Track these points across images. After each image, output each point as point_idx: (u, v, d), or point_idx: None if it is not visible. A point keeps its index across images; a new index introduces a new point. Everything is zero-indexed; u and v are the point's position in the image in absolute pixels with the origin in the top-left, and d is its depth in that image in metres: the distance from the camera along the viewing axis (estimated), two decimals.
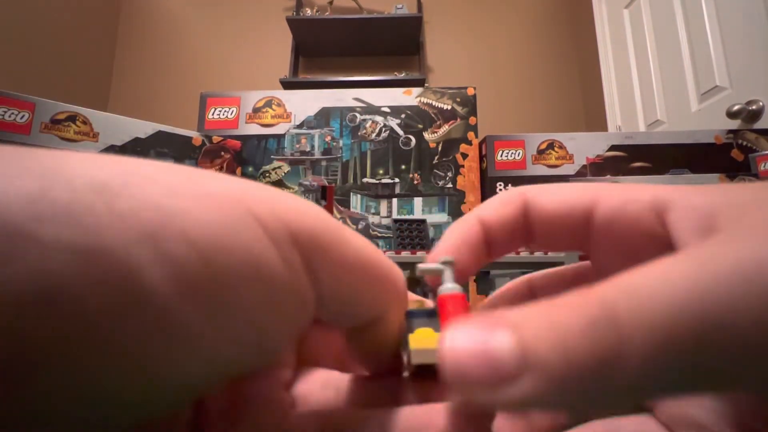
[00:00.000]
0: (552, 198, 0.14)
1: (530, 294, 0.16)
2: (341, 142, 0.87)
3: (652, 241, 0.12)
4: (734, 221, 0.10)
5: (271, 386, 0.13)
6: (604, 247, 0.14)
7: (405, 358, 0.13)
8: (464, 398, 0.09)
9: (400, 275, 0.12)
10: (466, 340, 0.08)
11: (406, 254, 0.31)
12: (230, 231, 0.09)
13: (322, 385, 0.14)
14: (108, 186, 0.08)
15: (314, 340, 0.15)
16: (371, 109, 0.88)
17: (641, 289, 0.08)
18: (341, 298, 0.11)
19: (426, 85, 2.07)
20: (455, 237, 0.14)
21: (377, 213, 0.84)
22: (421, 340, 0.11)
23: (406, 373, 0.13)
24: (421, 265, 0.13)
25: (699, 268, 0.08)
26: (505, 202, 0.14)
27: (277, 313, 0.09)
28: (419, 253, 0.32)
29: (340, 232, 0.11)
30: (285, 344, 0.10)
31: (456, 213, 0.83)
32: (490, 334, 0.08)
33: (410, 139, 0.87)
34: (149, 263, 0.08)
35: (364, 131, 0.87)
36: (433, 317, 0.12)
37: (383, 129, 0.87)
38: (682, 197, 0.11)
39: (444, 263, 0.12)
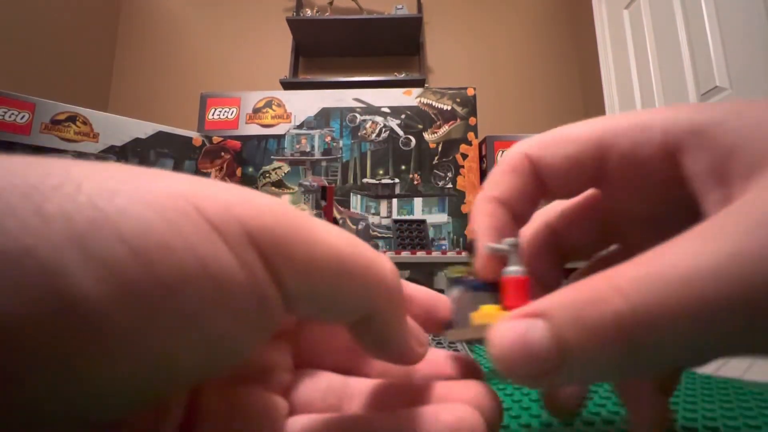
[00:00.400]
0: (559, 154, 0.13)
1: (555, 244, 0.16)
2: (341, 143, 0.87)
3: (666, 180, 0.12)
4: (746, 179, 0.10)
5: (265, 391, 0.12)
6: (617, 186, 0.14)
7: (457, 332, 0.13)
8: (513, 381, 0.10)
9: (386, 267, 0.11)
10: (510, 338, 0.10)
11: (406, 254, 0.31)
12: (173, 230, 0.08)
13: (324, 392, 0.13)
14: (38, 189, 0.08)
15: (313, 337, 0.14)
16: (371, 110, 0.88)
17: (658, 285, 0.09)
18: (315, 297, 0.10)
19: (426, 85, 2.07)
20: (485, 226, 0.14)
21: (377, 213, 0.84)
22: (486, 316, 0.12)
23: (461, 344, 0.13)
24: (490, 245, 0.13)
25: (708, 264, 0.09)
26: (512, 171, 0.14)
27: (234, 317, 0.09)
28: (419, 253, 0.32)
29: (307, 228, 0.10)
30: (251, 347, 0.10)
31: (456, 213, 0.83)
32: (529, 329, 0.09)
33: (410, 140, 0.87)
34: (77, 266, 0.07)
35: (364, 131, 0.87)
36: (494, 292, 0.13)
37: (383, 129, 0.87)
38: (695, 135, 0.11)
39: (510, 245, 0.13)
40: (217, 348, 0.09)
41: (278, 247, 0.09)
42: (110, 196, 0.08)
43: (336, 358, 0.14)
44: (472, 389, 0.12)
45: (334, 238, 0.10)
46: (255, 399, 0.12)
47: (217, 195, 0.09)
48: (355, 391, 0.13)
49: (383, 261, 0.11)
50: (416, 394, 0.13)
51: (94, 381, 0.08)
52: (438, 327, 0.14)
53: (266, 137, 0.87)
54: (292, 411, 0.13)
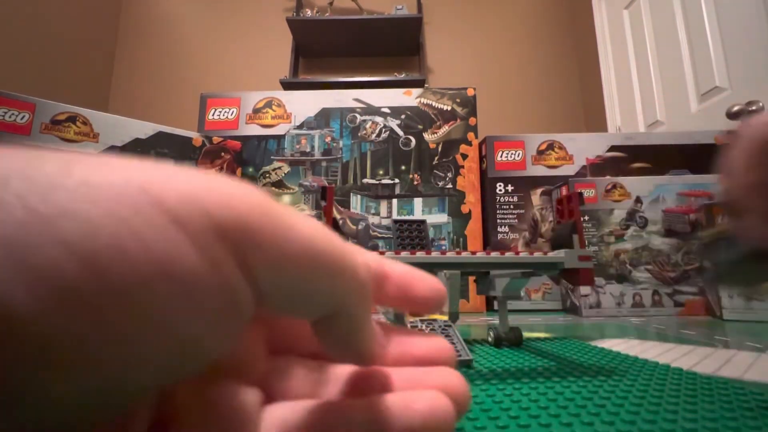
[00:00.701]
0: None
1: None
2: (341, 143, 0.87)
3: None
4: None
5: (239, 384, 0.12)
6: None
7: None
8: None
9: (359, 262, 0.11)
10: None
11: (405, 254, 0.31)
12: (125, 229, 0.07)
13: (300, 379, 0.13)
14: None
15: (288, 323, 0.14)
16: (371, 110, 0.88)
17: None
18: (287, 292, 0.09)
19: (426, 85, 2.07)
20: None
21: (377, 213, 0.84)
22: None
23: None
24: None
25: None
26: (756, 155, 0.15)
27: (201, 319, 0.08)
28: (419, 253, 0.32)
29: (282, 217, 0.09)
30: (222, 346, 0.09)
31: (456, 213, 0.83)
32: None
33: (410, 140, 0.87)
34: (7, 275, 0.06)
35: (364, 132, 0.87)
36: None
37: (383, 130, 0.87)
38: None
39: None
40: (185, 351, 0.08)
41: (251, 239, 0.09)
42: (46, 193, 0.07)
43: (311, 344, 0.14)
44: (443, 376, 0.12)
45: (310, 230, 0.10)
46: (228, 394, 0.11)
47: (179, 183, 0.08)
48: (330, 377, 0.13)
49: (357, 256, 0.11)
50: (390, 380, 0.13)
51: (55, 396, 0.07)
52: (413, 305, 0.13)
53: (266, 137, 0.87)
54: (269, 399, 0.12)
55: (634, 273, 0.70)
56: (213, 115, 0.89)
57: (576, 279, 0.31)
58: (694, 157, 0.84)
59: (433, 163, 0.86)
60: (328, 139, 0.87)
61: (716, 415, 0.20)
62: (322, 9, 2.26)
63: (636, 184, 0.73)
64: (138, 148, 0.68)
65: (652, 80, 1.50)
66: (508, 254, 0.31)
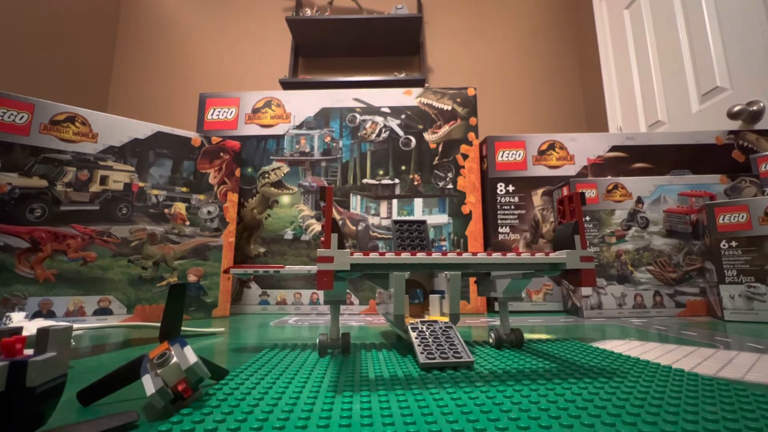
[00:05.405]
0: None
1: None
2: (341, 143, 0.87)
3: None
4: None
5: None
6: None
7: None
8: None
9: None
10: None
11: (405, 255, 0.31)
12: None
13: None
14: None
15: None
16: (371, 110, 0.88)
17: None
18: None
19: (426, 85, 2.07)
20: None
21: (377, 214, 0.83)
22: None
23: None
24: None
25: None
26: None
27: None
28: (419, 254, 0.32)
29: None
30: None
31: (456, 214, 0.83)
32: None
33: (410, 140, 0.87)
34: None
35: (364, 132, 0.87)
36: None
37: (383, 129, 0.87)
38: None
39: None
40: None
41: None
42: None
43: None
44: None
45: None
46: None
47: None
48: None
49: None
50: None
51: None
52: None
53: (265, 137, 0.87)
54: None
55: (635, 274, 0.70)
56: (212, 114, 0.89)
57: (578, 280, 0.31)
58: (696, 157, 0.84)
59: (434, 163, 0.85)
60: (328, 139, 0.87)
61: (718, 417, 0.20)
62: (321, 8, 2.26)
63: (637, 185, 0.73)
64: (137, 148, 0.68)
65: (653, 80, 1.50)
66: (509, 255, 0.31)
